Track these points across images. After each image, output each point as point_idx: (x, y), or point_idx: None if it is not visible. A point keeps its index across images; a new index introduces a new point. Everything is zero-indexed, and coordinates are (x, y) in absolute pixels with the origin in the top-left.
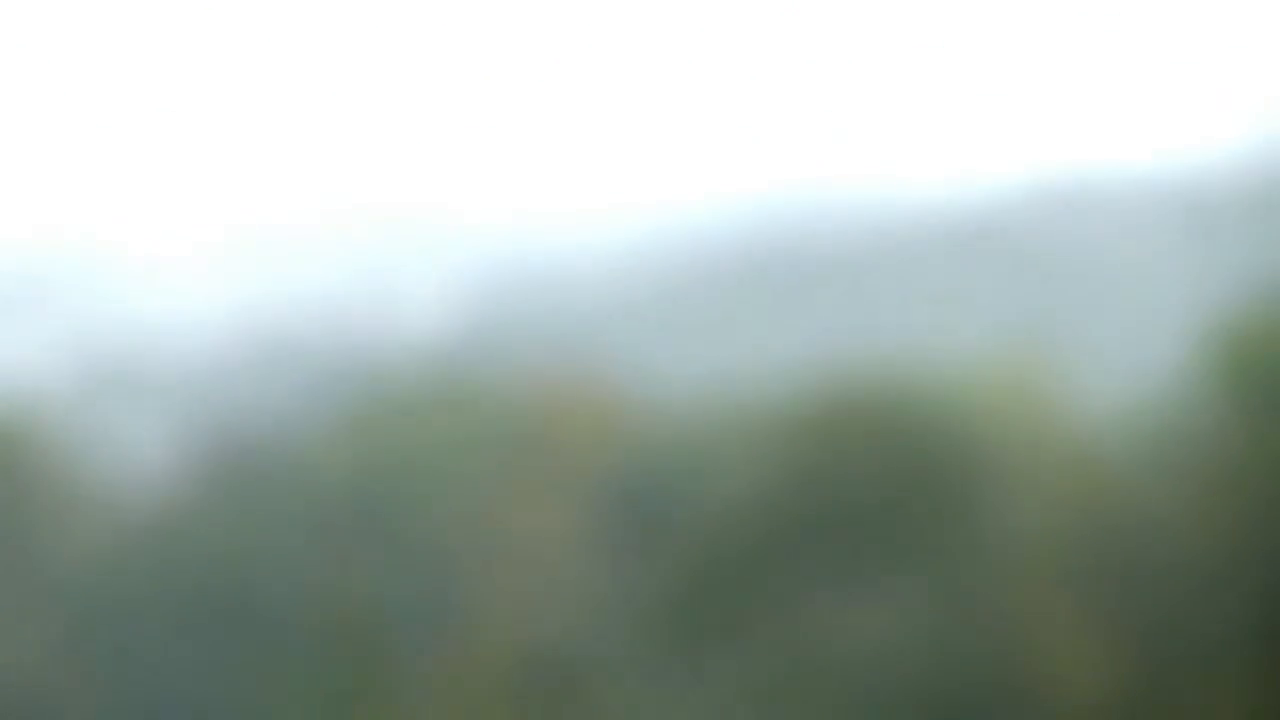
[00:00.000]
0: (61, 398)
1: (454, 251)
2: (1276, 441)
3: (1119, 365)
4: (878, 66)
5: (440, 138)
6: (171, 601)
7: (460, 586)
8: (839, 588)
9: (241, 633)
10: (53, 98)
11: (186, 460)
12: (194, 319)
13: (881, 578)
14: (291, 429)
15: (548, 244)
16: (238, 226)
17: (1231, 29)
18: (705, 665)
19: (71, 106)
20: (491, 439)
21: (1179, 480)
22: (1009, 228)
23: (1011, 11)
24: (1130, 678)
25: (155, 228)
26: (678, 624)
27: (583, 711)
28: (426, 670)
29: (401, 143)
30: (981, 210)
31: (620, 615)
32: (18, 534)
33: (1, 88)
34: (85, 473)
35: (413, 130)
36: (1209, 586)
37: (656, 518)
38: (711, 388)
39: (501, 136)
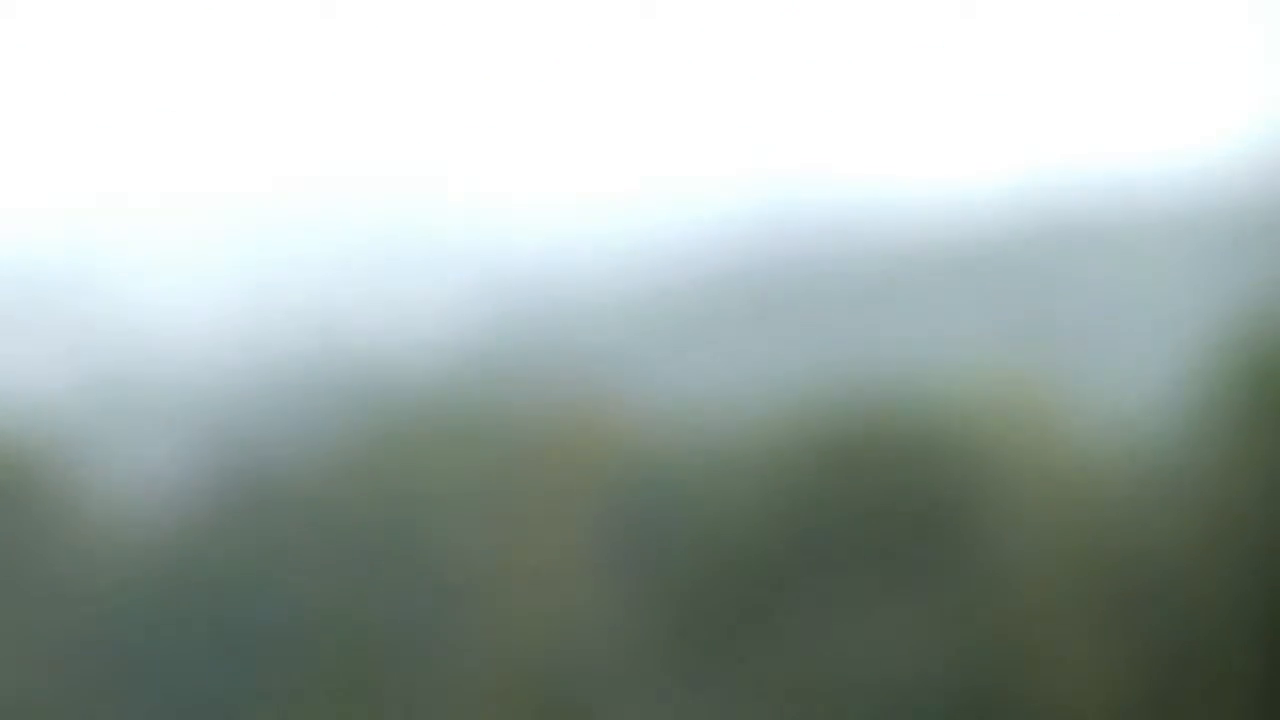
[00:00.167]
0: (66, 415)
1: (455, 262)
2: None
3: (1123, 383)
4: (883, 74)
5: (440, 146)
6: (178, 624)
7: (470, 610)
8: (847, 610)
9: (248, 656)
10: (48, 99)
11: (193, 480)
12: (198, 332)
13: (887, 600)
14: (298, 449)
15: (551, 258)
16: (239, 233)
17: (1228, 34)
18: (713, 688)
19: (68, 105)
20: (498, 460)
21: (1186, 501)
22: (1011, 244)
23: (1012, 17)
24: (1139, 701)
25: (156, 233)
26: (686, 647)
27: None
28: (436, 694)
29: (401, 154)
30: (986, 225)
31: (628, 638)
32: (21, 556)
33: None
34: (90, 493)
35: (413, 141)
36: (1217, 609)
37: (663, 540)
38: (716, 406)
39: (502, 145)
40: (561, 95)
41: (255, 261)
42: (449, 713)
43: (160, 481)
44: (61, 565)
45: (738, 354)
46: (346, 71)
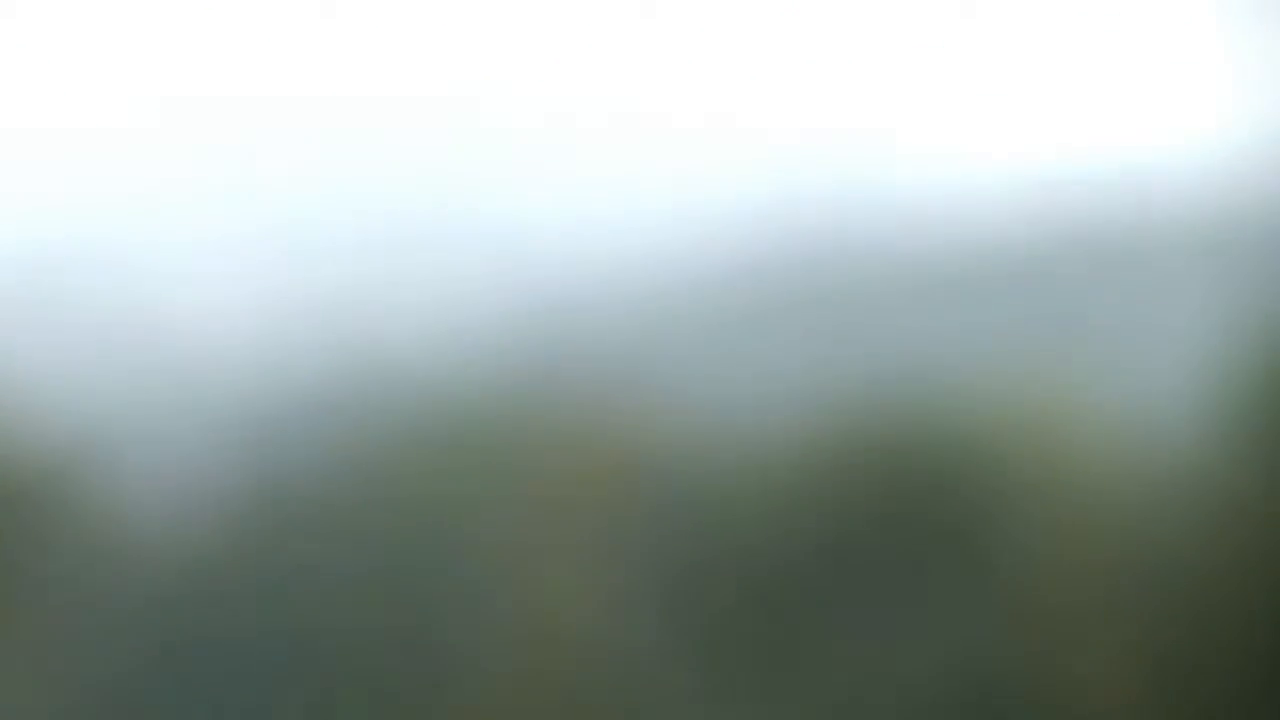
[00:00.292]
0: (93, 408)
1: (479, 256)
2: None
3: (1147, 390)
4: (910, 77)
5: (459, 143)
6: (203, 628)
7: (498, 616)
8: (873, 615)
9: (275, 659)
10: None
11: (220, 479)
12: (225, 327)
13: (912, 604)
14: (325, 450)
15: (571, 259)
16: (261, 225)
17: (1230, 30)
18: (740, 695)
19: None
20: (526, 459)
21: (1208, 513)
22: (1030, 247)
23: (1013, 16)
24: (1163, 705)
25: (181, 229)
26: (713, 662)
27: None
28: (463, 702)
29: (425, 145)
30: (1007, 227)
31: (656, 643)
32: (44, 574)
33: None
34: (117, 490)
35: (434, 135)
36: (1237, 621)
37: (689, 543)
38: (742, 406)
39: (512, 139)
40: (584, 84)
41: (277, 255)
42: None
43: (189, 476)
44: (91, 566)
45: (764, 353)
46: (367, 60)
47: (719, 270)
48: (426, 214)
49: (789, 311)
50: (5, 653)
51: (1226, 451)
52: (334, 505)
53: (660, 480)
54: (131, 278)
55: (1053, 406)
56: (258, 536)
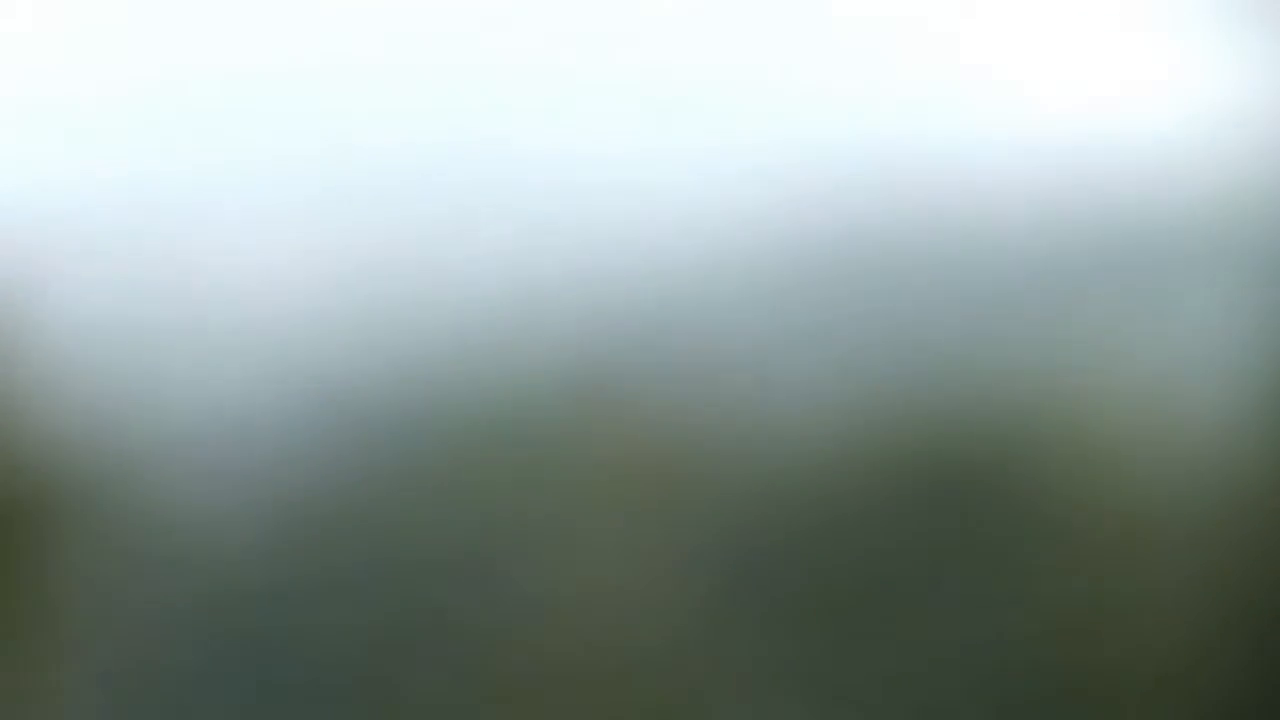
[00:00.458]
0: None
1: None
2: None
3: (1180, 390)
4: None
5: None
6: (248, 640)
7: (540, 624)
8: (911, 619)
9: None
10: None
11: (254, 507)
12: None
13: (948, 607)
14: (369, 455)
15: (603, 248)
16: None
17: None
18: (783, 696)
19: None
20: (569, 461)
21: (1246, 508)
22: (1063, 247)
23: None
24: (1204, 711)
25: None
26: (757, 657)
27: None
28: (513, 705)
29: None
30: (1040, 228)
31: (701, 644)
32: (68, 589)
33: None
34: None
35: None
36: (1273, 616)
37: (734, 543)
38: (783, 403)
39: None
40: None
41: (315, 233)
42: None
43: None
44: (132, 564)
45: (808, 341)
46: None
47: (762, 252)
48: (459, 191)
49: (835, 300)
50: (46, 655)
51: (1266, 444)
52: (385, 495)
53: (702, 472)
54: (166, 251)
55: (1091, 397)
56: (306, 528)
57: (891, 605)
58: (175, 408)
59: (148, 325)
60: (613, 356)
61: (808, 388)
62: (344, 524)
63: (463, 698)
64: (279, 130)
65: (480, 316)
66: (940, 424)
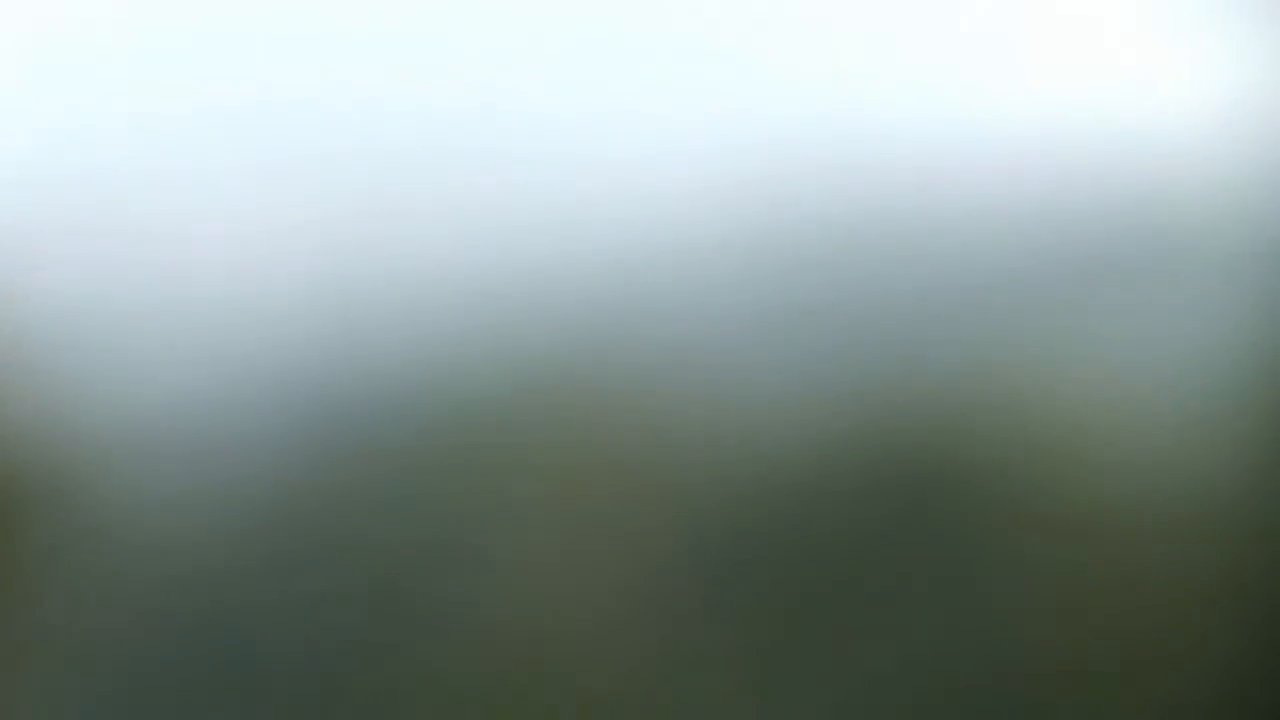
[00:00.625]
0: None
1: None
2: None
3: (1162, 397)
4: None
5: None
6: (218, 659)
7: (520, 619)
8: (892, 618)
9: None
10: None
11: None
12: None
13: (926, 606)
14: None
15: (578, 243)
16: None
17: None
18: (761, 700)
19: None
20: (544, 462)
21: (1224, 514)
22: (1047, 252)
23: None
24: (1183, 713)
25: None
26: (736, 659)
27: None
28: (489, 711)
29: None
30: (1023, 230)
31: (680, 648)
32: (44, 584)
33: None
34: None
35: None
36: (1251, 622)
37: (711, 543)
38: (761, 402)
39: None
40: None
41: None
42: None
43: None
44: (113, 553)
45: (788, 343)
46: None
47: (745, 243)
48: (439, 170)
49: (819, 293)
50: (27, 646)
51: (1244, 453)
52: (360, 481)
53: (681, 464)
54: (132, 218)
55: (1079, 392)
56: (290, 520)
57: (872, 601)
58: (147, 393)
59: (118, 309)
60: (590, 347)
61: (790, 381)
62: (318, 509)
63: (437, 691)
64: (257, 112)
65: (456, 305)
66: (927, 419)
